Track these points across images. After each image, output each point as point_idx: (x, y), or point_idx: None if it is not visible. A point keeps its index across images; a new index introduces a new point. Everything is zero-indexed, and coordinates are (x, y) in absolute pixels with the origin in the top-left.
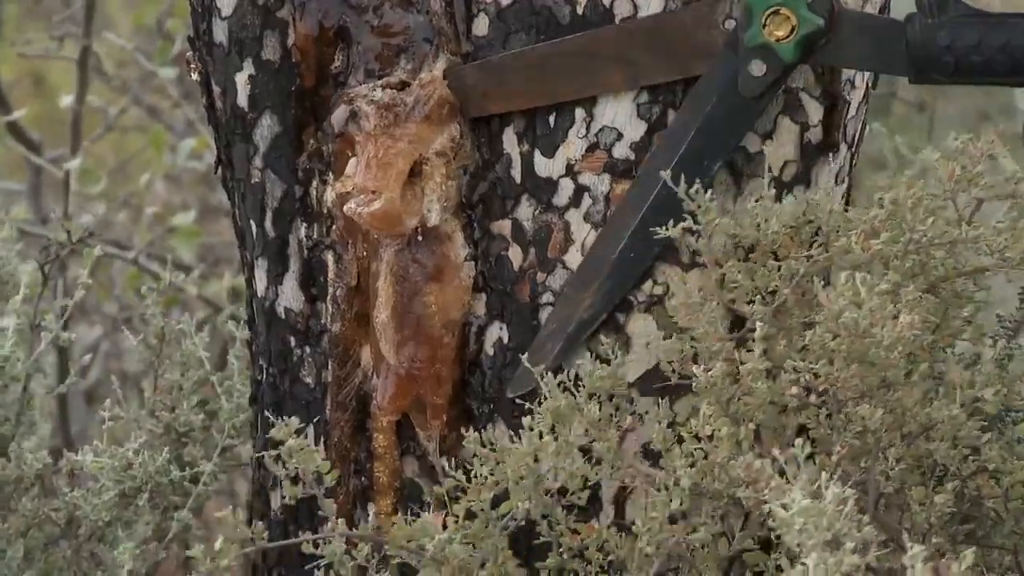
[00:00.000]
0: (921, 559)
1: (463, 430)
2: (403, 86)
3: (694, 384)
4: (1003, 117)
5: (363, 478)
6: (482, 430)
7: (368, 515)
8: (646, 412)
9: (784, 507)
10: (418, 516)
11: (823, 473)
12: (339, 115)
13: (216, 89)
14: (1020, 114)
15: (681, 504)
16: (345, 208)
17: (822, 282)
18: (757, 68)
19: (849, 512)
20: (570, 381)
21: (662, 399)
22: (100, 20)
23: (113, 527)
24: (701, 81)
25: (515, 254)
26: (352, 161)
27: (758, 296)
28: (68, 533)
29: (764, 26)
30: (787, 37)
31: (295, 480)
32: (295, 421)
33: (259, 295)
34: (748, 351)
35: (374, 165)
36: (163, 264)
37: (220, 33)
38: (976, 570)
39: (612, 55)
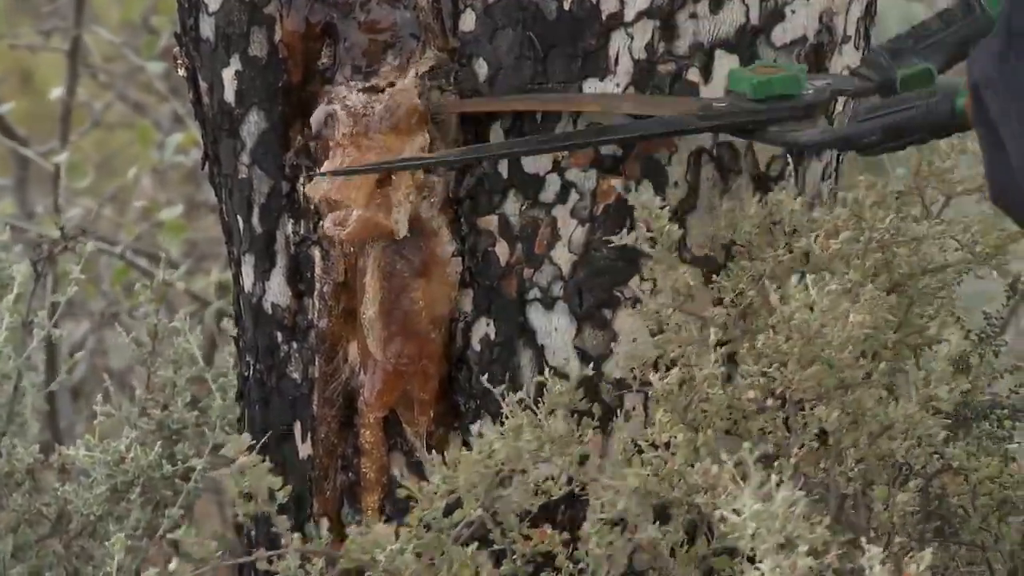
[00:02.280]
0: (879, 560)
1: (450, 426)
2: (391, 86)
3: (650, 392)
4: None
5: (350, 474)
6: (469, 426)
7: (355, 512)
8: (632, 408)
9: (736, 512)
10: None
11: (772, 477)
12: (317, 117)
13: (203, 85)
14: None
15: (627, 506)
16: (324, 229)
17: (775, 286)
18: None
19: (801, 513)
20: (529, 398)
21: (647, 398)
22: (87, 14)
23: (104, 522)
24: None
25: (502, 250)
26: (325, 165)
27: (728, 298)
28: (58, 528)
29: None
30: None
31: (248, 497)
32: (247, 437)
33: (246, 291)
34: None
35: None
36: (150, 260)
37: (207, 29)
38: (938, 570)
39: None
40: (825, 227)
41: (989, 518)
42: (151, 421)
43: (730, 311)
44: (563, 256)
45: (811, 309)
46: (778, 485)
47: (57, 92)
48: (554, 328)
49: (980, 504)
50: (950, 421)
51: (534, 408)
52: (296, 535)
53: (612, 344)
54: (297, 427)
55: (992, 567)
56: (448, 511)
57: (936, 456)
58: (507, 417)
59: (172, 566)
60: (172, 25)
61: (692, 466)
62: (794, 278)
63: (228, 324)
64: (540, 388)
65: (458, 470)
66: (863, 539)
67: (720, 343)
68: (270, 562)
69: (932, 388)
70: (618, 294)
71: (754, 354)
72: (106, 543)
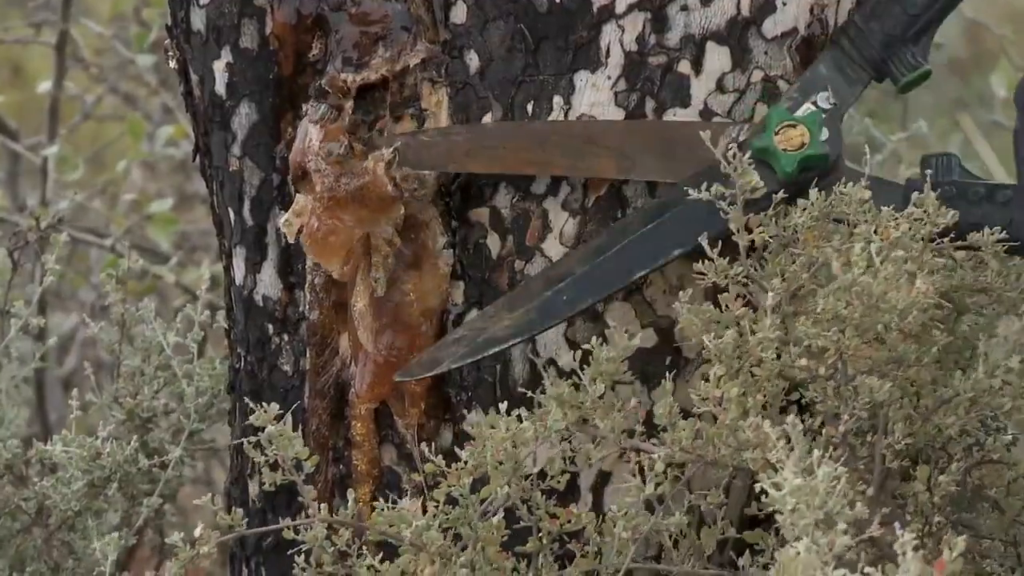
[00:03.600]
0: (911, 546)
1: (441, 418)
2: (383, 81)
3: (703, 353)
4: (979, 104)
5: (341, 466)
6: (460, 418)
7: (346, 504)
8: (628, 399)
9: (776, 486)
10: (401, 497)
11: (815, 451)
12: (293, 168)
13: (194, 77)
14: (997, 101)
15: (657, 488)
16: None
17: (836, 253)
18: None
19: (842, 490)
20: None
21: (669, 374)
22: (77, 6)
23: (83, 516)
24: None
25: (493, 242)
26: (300, 198)
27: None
28: (39, 522)
29: (776, 133)
30: (794, 150)
31: (274, 467)
32: (274, 407)
33: (237, 283)
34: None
35: (318, 238)
36: (141, 252)
37: (198, 21)
38: (969, 558)
39: (611, 146)
40: (886, 221)
41: (1023, 514)
42: (122, 410)
43: (782, 288)
44: (554, 248)
45: (873, 276)
46: (820, 459)
47: (45, 86)
48: None
49: (1013, 501)
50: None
51: (578, 374)
52: (323, 505)
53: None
54: (288, 420)
55: (1023, 559)
56: (474, 488)
57: (976, 448)
58: (548, 386)
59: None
60: (162, 18)
61: (741, 421)
62: (857, 246)
63: (194, 312)
64: (531, 379)
65: (485, 446)
66: (897, 523)
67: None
68: (296, 532)
69: (1005, 358)
70: None
71: (812, 318)
72: (87, 536)
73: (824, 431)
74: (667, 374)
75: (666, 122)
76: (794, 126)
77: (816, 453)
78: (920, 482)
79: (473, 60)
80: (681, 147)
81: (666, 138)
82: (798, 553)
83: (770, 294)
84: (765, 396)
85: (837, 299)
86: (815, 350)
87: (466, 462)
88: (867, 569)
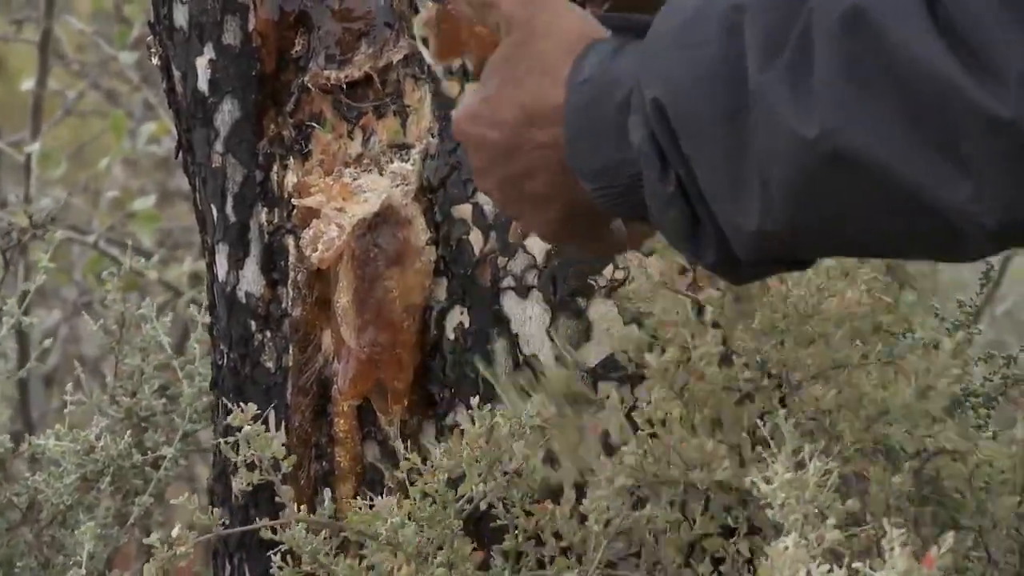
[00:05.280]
0: (899, 542)
1: (424, 415)
2: (367, 78)
3: (646, 372)
4: None
5: (324, 463)
6: (443, 414)
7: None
8: (607, 396)
9: (766, 480)
10: (383, 494)
11: (807, 446)
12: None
13: (176, 73)
14: None
15: (626, 483)
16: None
17: None
18: None
19: (833, 484)
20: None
21: (621, 386)
22: (59, 3)
23: (74, 511)
24: None
25: (476, 238)
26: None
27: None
28: (29, 518)
29: None
30: None
31: (251, 466)
32: (253, 407)
33: (220, 280)
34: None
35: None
36: (123, 249)
37: (180, 17)
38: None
39: None
40: None
41: (986, 503)
42: (120, 409)
43: (725, 293)
44: (537, 245)
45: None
46: (812, 455)
47: (28, 83)
48: (528, 316)
49: (976, 489)
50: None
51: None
52: (302, 505)
53: (588, 333)
54: (271, 416)
55: (989, 551)
56: (450, 485)
57: (929, 439)
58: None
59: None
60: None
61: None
62: None
63: (197, 313)
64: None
65: (461, 444)
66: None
67: (715, 324)
68: (274, 531)
69: (932, 378)
70: (592, 283)
71: (751, 332)
72: (76, 532)
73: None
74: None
75: None
76: None
77: (808, 447)
78: (874, 483)
79: None
80: None
81: None
82: (786, 548)
83: (709, 308)
84: (711, 411)
85: (773, 311)
86: (757, 362)
87: (441, 459)
88: (855, 564)
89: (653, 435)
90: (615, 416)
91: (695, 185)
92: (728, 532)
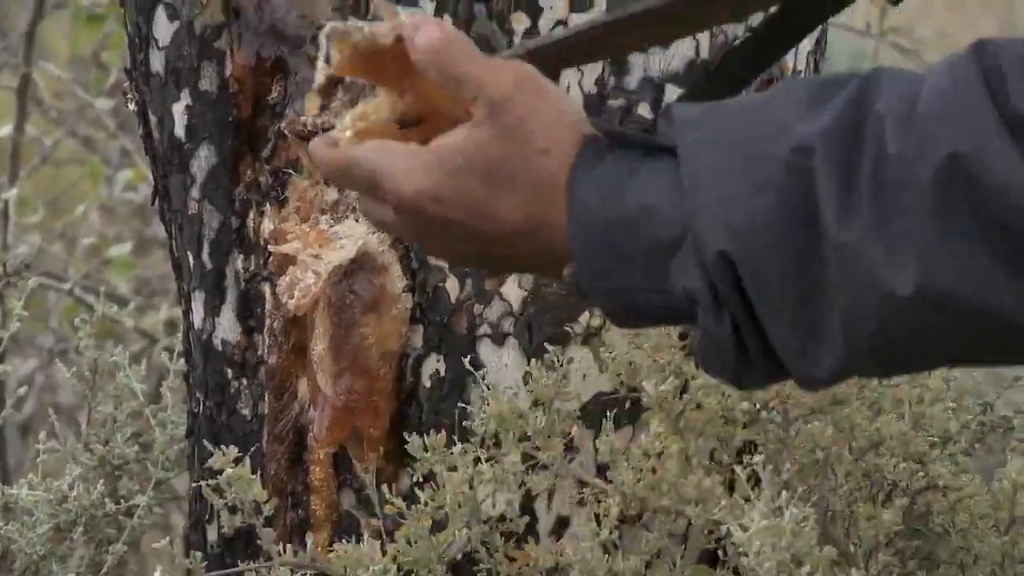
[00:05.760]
0: None
1: (400, 463)
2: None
3: (643, 399)
4: None
5: (300, 511)
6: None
7: (305, 548)
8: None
9: (742, 527)
10: (359, 542)
11: (783, 493)
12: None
13: (153, 119)
14: None
15: (612, 533)
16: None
17: None
18: None
19: (809, 531)
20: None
21: (609, 413)
22: (36, 50)
23: (47, 561)
24: None
25: (452, 285)
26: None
27: None
28: (2, 568)
29: None
30: None
31: (233, 510)
32: (233, 450)
33: (196, 327)
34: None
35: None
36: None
37: (157, 63)
38: None
39: None
40: None
41: (968, 537)
42: (93, 457)
43: None
44: (513, 292)
45: None
46: (787, 501)
47: (5, 130)
48: (504, 364)
49: (959, 522)
50: (935, 439)
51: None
52: (288, 547)
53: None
54: (246, 464)
55: None
56: (435, 530)
57: (922, 474)
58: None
59: None
60: (122, 60)
61: (683, 478)
62: None
63: (169, 360)
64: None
65: (445, 489)
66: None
67: None
68: (258, 574)
69: (926, 407)
70: (568, 330)
71: None
72: None
73: (767, 470)
74: (618, 418)
75: None
76: None
77: (784, 495)
78: (863, 519)
79: None
80: None
81: None
82: None
83: None
84: (706, 442)
85: None
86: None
87: (426, 503)
88: None
89: (653, 470)
90: (604, 440)
91: (759, 337)
92: (713, 560)
